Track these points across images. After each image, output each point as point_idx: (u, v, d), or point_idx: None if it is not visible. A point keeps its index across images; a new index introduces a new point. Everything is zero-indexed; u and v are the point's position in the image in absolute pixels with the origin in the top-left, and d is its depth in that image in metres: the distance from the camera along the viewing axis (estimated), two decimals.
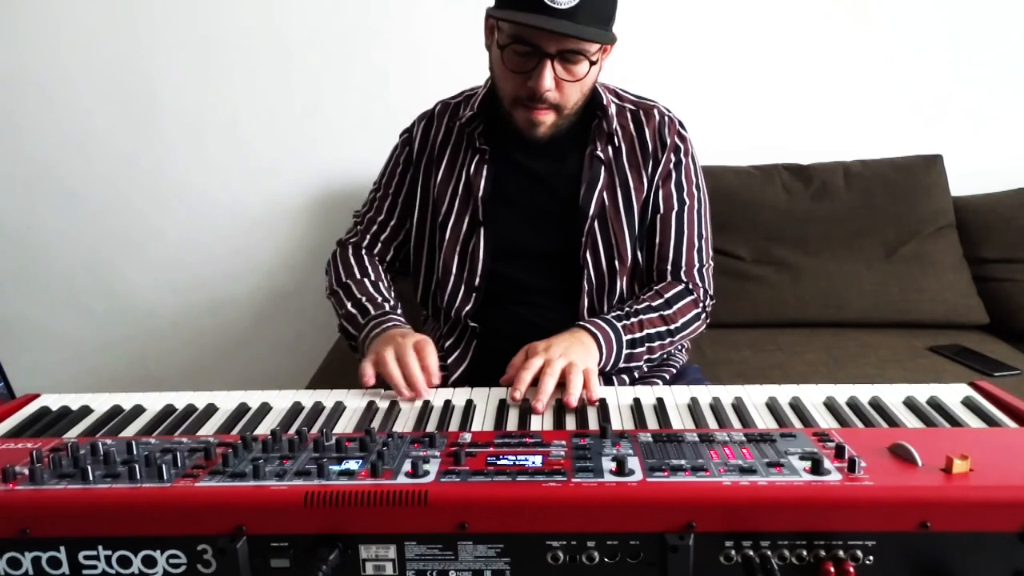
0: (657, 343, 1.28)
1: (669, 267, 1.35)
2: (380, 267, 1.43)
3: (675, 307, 1.31)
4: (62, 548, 0.74)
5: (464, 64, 2.23)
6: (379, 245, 1.45)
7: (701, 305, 1.36)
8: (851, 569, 0.71)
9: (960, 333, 2.05)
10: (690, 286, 1.35)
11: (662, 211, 1.35)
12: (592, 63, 1.20)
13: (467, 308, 1.35)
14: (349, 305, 1.34)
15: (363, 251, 1.45)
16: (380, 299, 1.33)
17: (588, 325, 1.22)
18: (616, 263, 1.33)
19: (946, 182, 2.19)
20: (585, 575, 0.73)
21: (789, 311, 2.13)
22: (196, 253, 2.46)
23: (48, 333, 2.53)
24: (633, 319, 1.26)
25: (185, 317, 2.52)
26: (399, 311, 1.32)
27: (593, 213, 1.31)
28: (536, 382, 1.05)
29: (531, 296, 1.35)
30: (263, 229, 2.44)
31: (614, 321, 1.24)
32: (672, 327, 1.29)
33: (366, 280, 1.38)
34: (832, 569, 0.71)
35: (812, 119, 2.32)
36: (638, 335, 1.25)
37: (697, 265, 1.37)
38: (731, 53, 2.28)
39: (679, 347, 1.42)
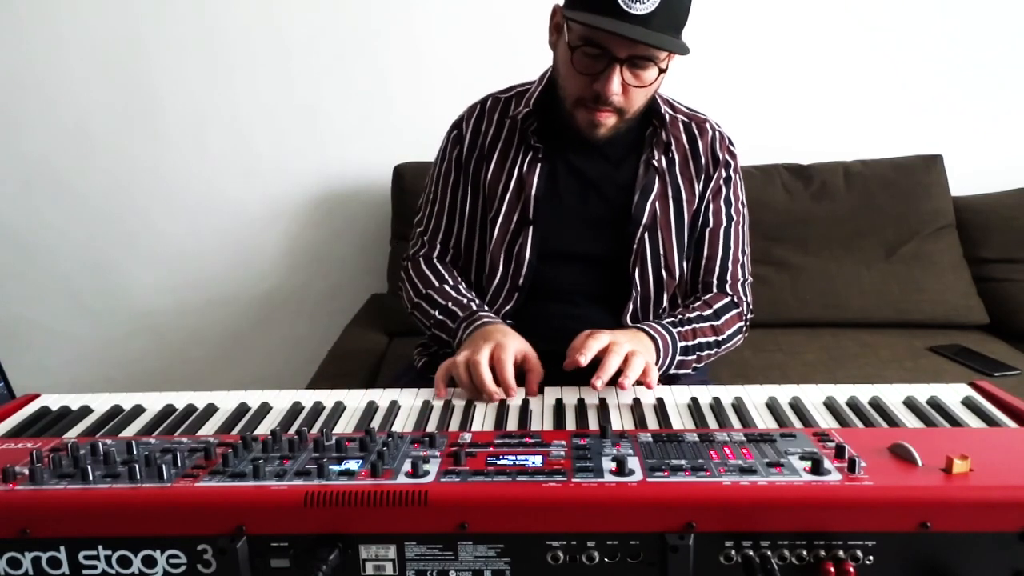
0: (705, 352, 1.29)
1: (715, 280, 1.37)
2: (455, 271, 1.41)
3: (723, 318, 1.33)
4: (62, 548, 0.74)
5: (464, 64, 2.25)
6: (450, 252, 1.43)
7: (744, 319, 1.38)
8: (851, 569, 0.71)
9: (960, 333, 2.05)
10: (735, 299, 1.37)
11: (711, 225, 1.37)
12: (662, 70, 1.20)
13: (508, 306, 1.34)
14: (436, 313, 1.32)
15: (434, 260, 1.42)
16: (466, 300, 1.31)
17: (647, 328, 1.22)
18: (664, 273, 1.33)
19: (946, 182, 2.19)
20: (585, 575, 0.73)
21: (789, 311, 2.13)
22: (196, 253, 2.46)
23: (48, 333, 2.53)
24: (686, 327, 1.27)
25: (185, 317, 2.52)
26: (487, 308, 1.31)
27: (646, 222, 1.31)
28: (598, 361, 1.06)
29: (574, 298, 1.35)
30: (263, 229, 2.44)
31: (670, 327, 1.25)
32: (720, 338, 1.31)
33: (446, 286, 1.36)
34: (832, 569, 0.71)
35: (812, 119, 2.32)
36: (691, 343, 1.27)
37: (741, 279, 1.39)
38: (731, 53, 2.27)
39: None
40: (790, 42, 2.27)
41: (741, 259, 1.40)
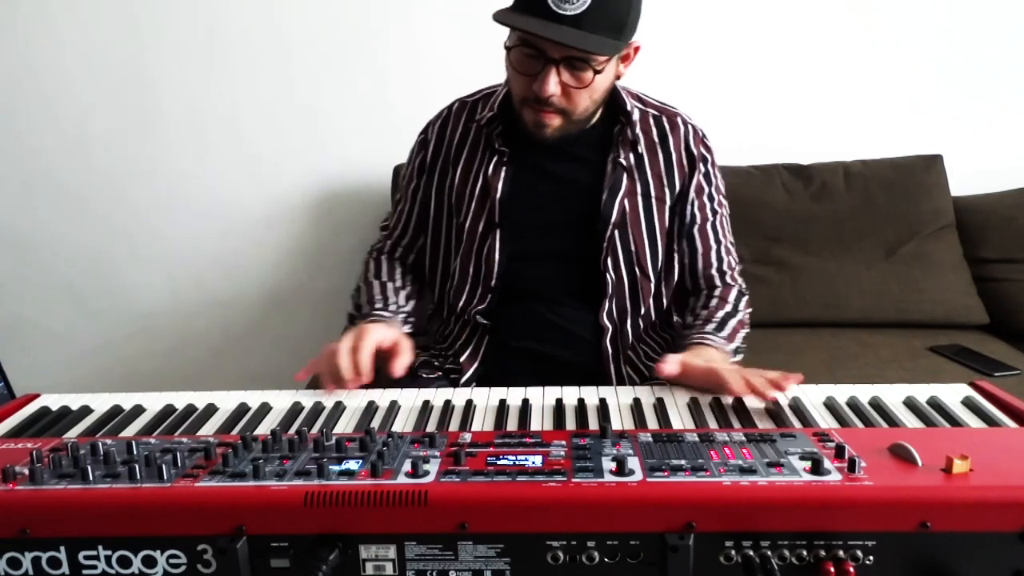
0: (742, 344, 1.36)
1: (715, 272, 1.41)
2: (399, 268, 1.44)
3: (741, 309, 1.39)
4: (62, 548, 0.74)
5: (464, 64, 2.24)
6: (400, 249, 1.47)
7: (746, 301, 1.44)
8: (851, 569, 0.71)
9: (960, 333, 2.05)
10: (741, 288, 1.43)
11: (699, 222, 1.39)
12: (597, 72, 1.19)
13: (482, 306, 1.35)
14: (351, 308, 1.38)
15: (384, 256, 1.46)
16: (377, 298, 1.34)
17: (709, 343, 1.26)
18: (637, 269, 1.34)
19: (946, 182, 2.19)
20: (585, 575, 0.73)
21: (789, 311, 2.12)
22: (196, 253, 2.46)
23: (48, 333, 2.53)
24: (727, 331, 1.33)
25: (185, 317, 2.52)
26: (391, 308, 1.32)
27: (615, 220, 1.31)
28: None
29: (550, 296, 1.35)
30: (263, 229, 2.44)
31: (716, 336, 1.29)
32: (747, 330, 1.38)
33: (376, 282, 1.39)
34: (832, 569, 0.71)
35: (812, 119, 2.31)
36: (734, 345, 1.32)
37: (736, 267, 1.45)
38: (731, 53, 2.27)
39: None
40: (790, 42, 2.27)
41: (730, 249, 1.45)
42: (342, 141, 2.35)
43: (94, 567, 0.75)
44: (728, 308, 1.37)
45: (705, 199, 1.39)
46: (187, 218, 2.43)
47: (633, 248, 1.33)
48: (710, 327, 1.31)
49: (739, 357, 1.34)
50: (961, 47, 2.25)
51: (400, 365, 1.15)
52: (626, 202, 1.32)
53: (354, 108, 2.33)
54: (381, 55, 2.29)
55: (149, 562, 0.74)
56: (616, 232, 1.31)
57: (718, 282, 1.41)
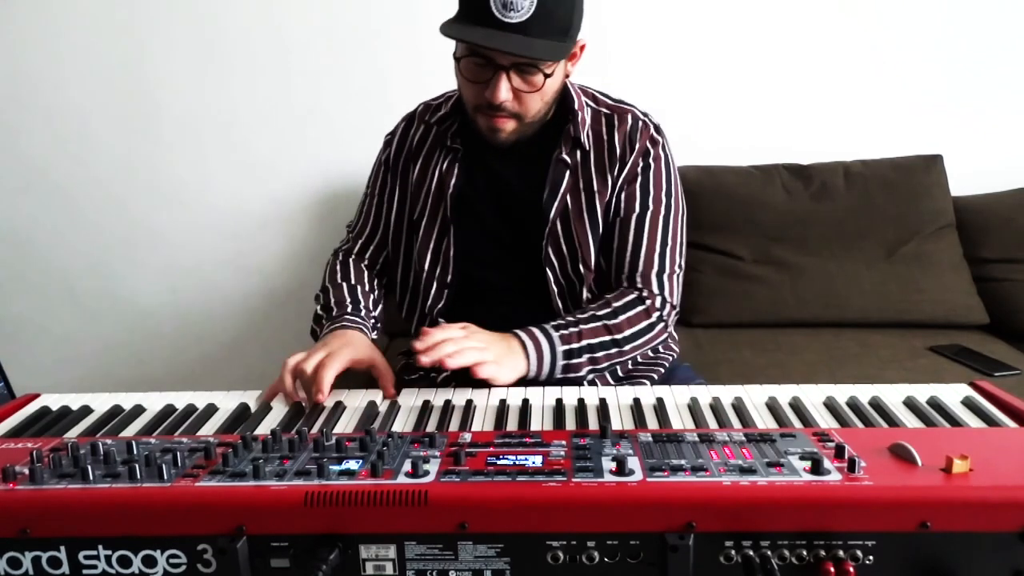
0: (601, 353, 1.23)
1: (625, 274, 1.32)
2: (366, 272, 1.43)
3: (622, 317, 1.26)
4: (62, 548, 0.74)
5: None
6: (369, 251, 1.46)
7: (656, 314, 1.29)
8: (851, 569, 0.71)
9: (960, 333, 2.05)
10: (644, 294, 1.30)
11: (622, 214, 1.32)
12: (547, 75, 1.20)
13: (439, 306, 1.36)
14: (318, 309, 1.36)
15: (352, 257, 1.45)
16: (347, 302, 1.33)
17: (520, 332, 1.20)
18: (580, 266, 1.32)
19: (946, 182, 2.19)
20: (585, 575, 0.73)
21: (789, 311, 2.13)
22: (195, 253, 2.46)
23: (48, 333, 2.53)
24: (572, 328, 1.22)
25: (185, 317, 2.52)
26: (362, 313, 1.32)
27: (555, 216, 1.31)
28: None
29: (502, 295, 1.36)
30: (262, 230, 2.44)
31: (551, 330, 1.21)
32: (618, 337, 1.24)
33: (344, 284, 1.38)
34: (832, 569, 0.71)
35: (812, 119, 2.32)
36: (575, 345, 1.21)
37: (657, 270, 1.31)
38: (731, 53, 2.28)
39: (664, 347, 1.41)
40: (790, 42, 2.27)
41: (659, 249, 1.32)
42: (342, 141, 2.36)
43: (94, 567, 0.75)
44: (601, 311, 1.25)
45: (636, 190, 1.32)
46: (187, 218, 2.43)
47: (576, 243, 1.31)
48: (554, 322, 1.23)
49: (581, 361, 1.21)
50: (961, 47, 2.26)
51: (388, 388, 1.13)
52: (568, 198, 1.31)
53: (354, 108, 2.33)
54: (381, 55, 2.29)
55: (149, 562, 0.74)
56: (558, 227, 1.31)
57: (625, 282, 1.31)
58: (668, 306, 1.32)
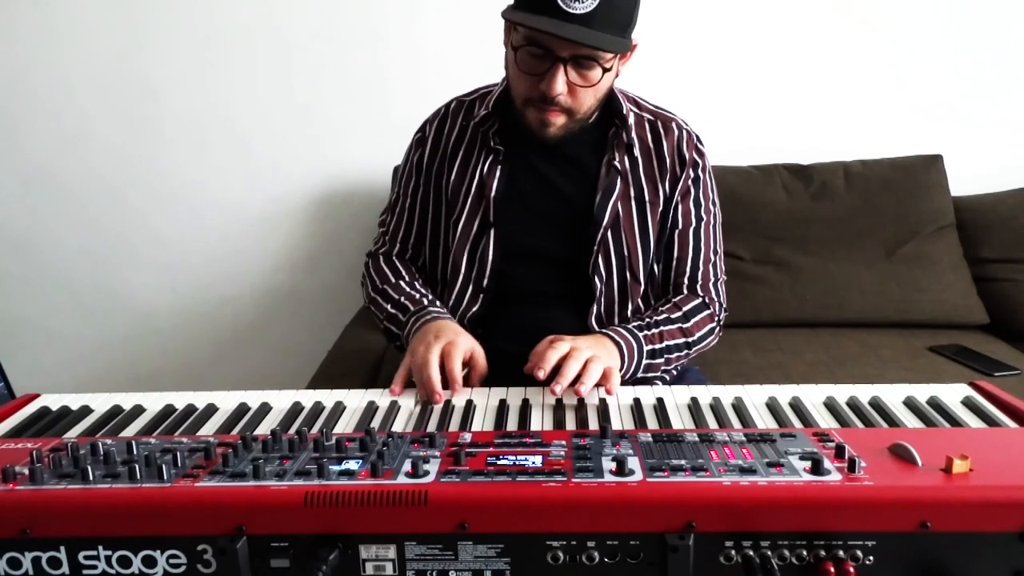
0: (675, 355, 1.29)
1: (686, 281, 1.37)
2: (412, 268, 1.43)
3: (693, 320, 1.32)
4: (62, 548, 0.74)
5: (464, 64, 2.24)
6: (409, 251, 1.45)
7: (716, 319, 1.37)
8: (851, 569, 0.71)
9: (960, 333, 2.05)
10: (706, 300, 1.36)
11: (680, 227, 1.36)
12: (606, 70, 1.19)
13: (474, 309, 1.34)
14: (389, 307, 1.33)
15: (394, 258, 1.44)
16: (418, 296, 1.32)
17: (611, 333, 1.22)
18: (628, 274, 1.33)
19: (946, 182, 2.19)
20: (585, 575, 0.73)
21: (789, 311, 2.13)
22: (195, 253, 2.46)
23: (48, 333, 2.53)
24: (654, 330, 1.27)
25: (185, 317, 2.52)
26: (438, 304, 1.32)
27: (607, 223, 1.30)
28: (559, 368, 1.07)
29: (540, 299, 1.35)
30: (263, 229, 2.44)
31: (636, 331, 1.24)
32: (690, 340, 1.31)
33: (401, 282, 1.37)
34: (832, 569, 0.71)
35: (812, 119, 2.32)
36: (658, 346, 1.26)
37: (712, 279, 1.39)
38: (731, 53, 2.28)
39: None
40: (790, 42, 2.27)
41: (713, 259, 1.39)
42: (341, 141, 2.36)
43: (94, 567, 0.75)
44: (674, 314, 1.31)
45: (691, 204, 1.36)
46: (187, 218, 2.43)
47: (626, 252, 1.32)
48: (634, 323, 1.27)
49: (659, 362, 1.26)
50: (961, 47, 2.26)
51: (479, 377, 1.15)
52: (619, 205, 1.31)
53: (353, 108, 2.33)
54: (381, 55, 2.29)
55: (149, 562, 0.74)
56: (608, 236, 1.31)
57: (685, 290, 1.37)
58: (723, 311, 1.40)
